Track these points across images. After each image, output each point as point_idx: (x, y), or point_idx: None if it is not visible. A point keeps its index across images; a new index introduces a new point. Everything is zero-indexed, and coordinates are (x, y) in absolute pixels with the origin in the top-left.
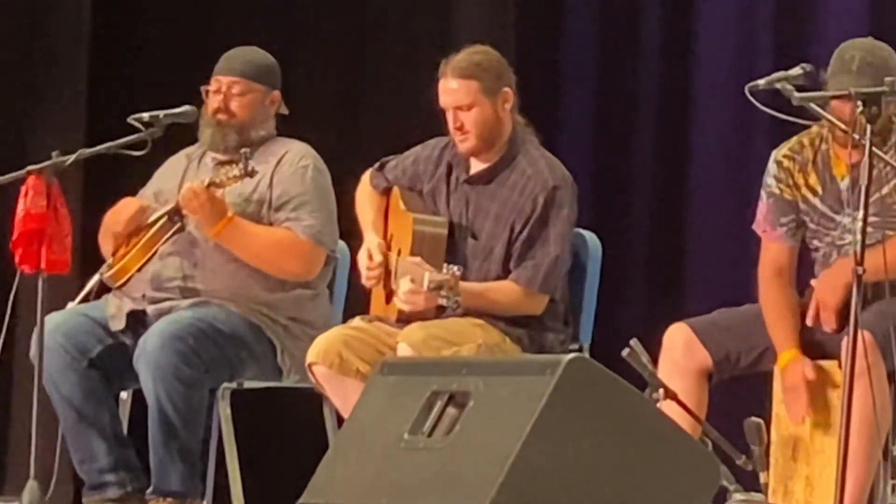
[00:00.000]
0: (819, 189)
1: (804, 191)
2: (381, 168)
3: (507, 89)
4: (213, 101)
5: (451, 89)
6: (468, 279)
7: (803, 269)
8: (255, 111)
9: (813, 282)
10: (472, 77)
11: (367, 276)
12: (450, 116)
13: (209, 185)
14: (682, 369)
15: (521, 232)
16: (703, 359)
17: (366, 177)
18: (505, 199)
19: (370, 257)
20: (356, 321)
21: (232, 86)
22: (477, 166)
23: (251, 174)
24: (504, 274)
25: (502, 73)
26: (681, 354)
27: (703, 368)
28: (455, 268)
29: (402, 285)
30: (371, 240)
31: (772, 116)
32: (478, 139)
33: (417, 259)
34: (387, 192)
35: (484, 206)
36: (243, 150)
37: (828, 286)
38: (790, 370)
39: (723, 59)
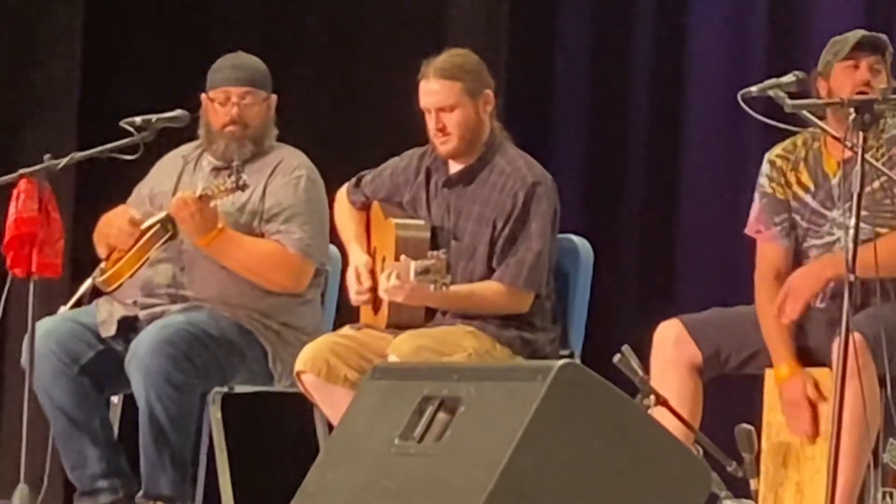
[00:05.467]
0: (811, 186)
1: (796, 188)
2: (358, 183)
3: (487, 91)
4: (221, 114)
5: (434, 90)
6: (455, 281)
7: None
8: (267, 119)
9: None
10: (454, 78)
11: (356, 299)
12: (431, 118)
13: (200, 196)
14: (674, 364)
15: (502, 230)
16: (693, 354)
17: (342, 192)
18: (485, 199)
19: (358, 279)
20: (345, 329)
21: (244, 96)
22: (455, 168)
23: (242, 188)
24: (488, 273)
25: (483, 75)
26: (671, 349)
27: (693, 364)
28: (440, 252)
29: (384, 282)
30: (357, 257)
31: (764, 123)
32: (460, 140)
33: (402, 259)
34: (365, 206)
35: (465, 207)
36: (235, 163)
37: (804, 276)
38: (789, 385)
39: (715, 66)
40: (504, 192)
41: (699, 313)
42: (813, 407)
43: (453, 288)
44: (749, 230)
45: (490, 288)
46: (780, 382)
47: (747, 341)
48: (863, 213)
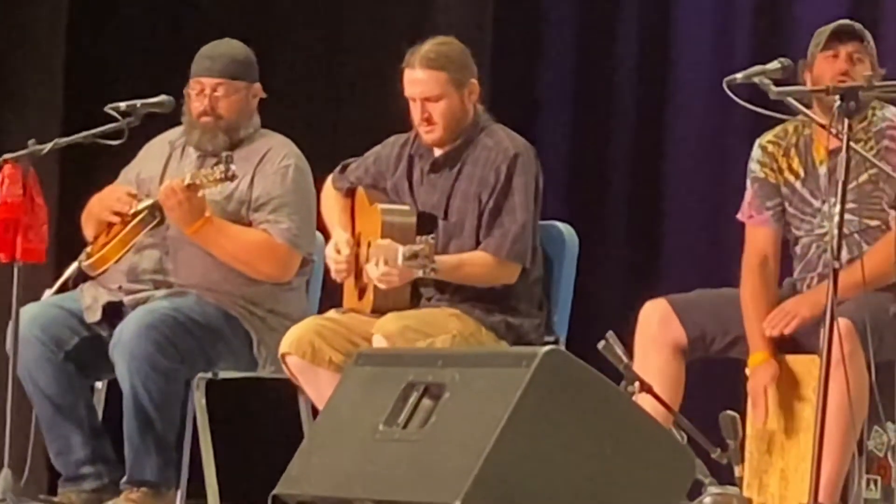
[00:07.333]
0: (801, 172)
1: (787, 174)
2: (343, 170)
3: (473, 81)
4: (196, 104)
5: (420, 80)
6: None
7: (784, 262)
8: (241, 110)
9: (788, 280)
10: (441, 68)
11: (336, 269)
12: (415, 107)
13: (189, 185)
14: (658, 343)
15: (487, 202)
16: (678, 335)
17: (328, 181)
18: (470, 175)
19: (338, 251)
20: (330, 313)
21: (216, 88)
22: (440, 152)
23: (231, 178)
24: (477, 247)
25: (468, 64)
26: (656, 328)
27: (677, 344)
28: (429, 237)
29: (374, 269)
30: (338, 234)
31: (749, 110)
32: (445, 130)
33: (387, 241)
34: (350, 193)
35: (453, 187)
36: (225, 153)
37: (810, 301)
38: (758, 373)
39: (701, 52)
40: (487, 167)
41: (685, 294)
42: (780, 396)
43: (443, 258)
44: (741, 216)
45: (476, 258)
46: (752, 369)
47: (732, 326)
48: (851, 205)
